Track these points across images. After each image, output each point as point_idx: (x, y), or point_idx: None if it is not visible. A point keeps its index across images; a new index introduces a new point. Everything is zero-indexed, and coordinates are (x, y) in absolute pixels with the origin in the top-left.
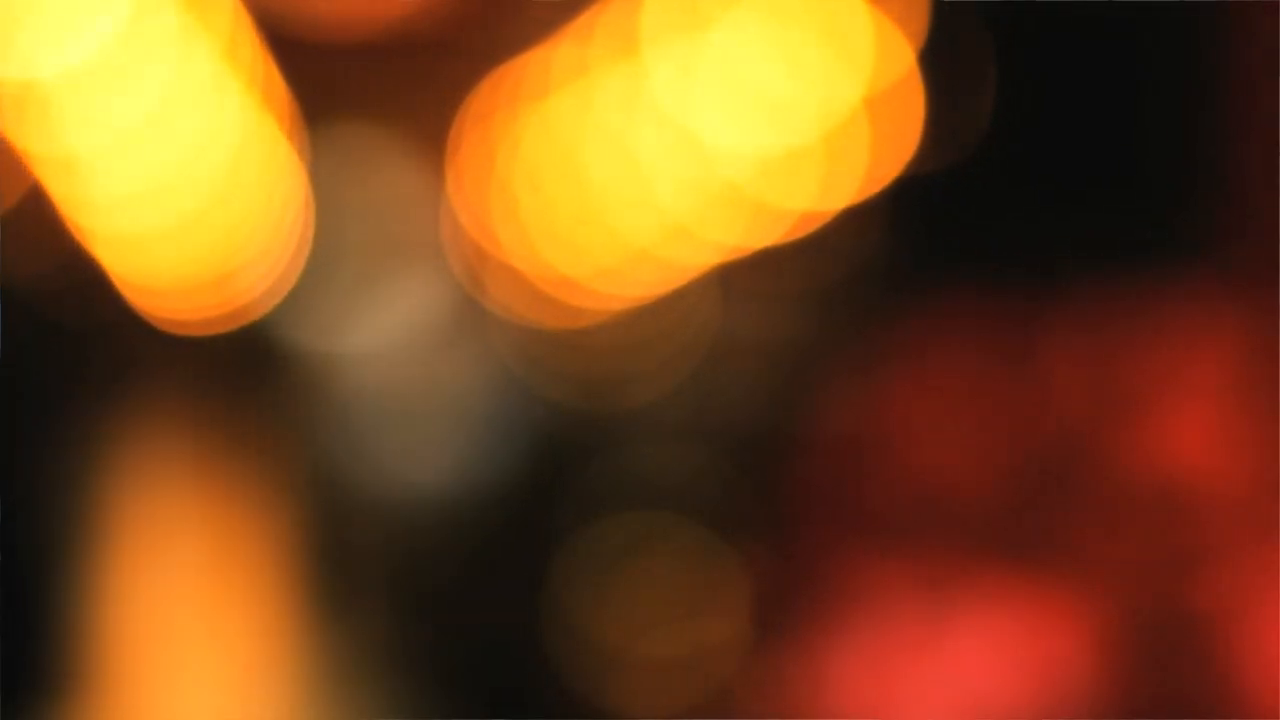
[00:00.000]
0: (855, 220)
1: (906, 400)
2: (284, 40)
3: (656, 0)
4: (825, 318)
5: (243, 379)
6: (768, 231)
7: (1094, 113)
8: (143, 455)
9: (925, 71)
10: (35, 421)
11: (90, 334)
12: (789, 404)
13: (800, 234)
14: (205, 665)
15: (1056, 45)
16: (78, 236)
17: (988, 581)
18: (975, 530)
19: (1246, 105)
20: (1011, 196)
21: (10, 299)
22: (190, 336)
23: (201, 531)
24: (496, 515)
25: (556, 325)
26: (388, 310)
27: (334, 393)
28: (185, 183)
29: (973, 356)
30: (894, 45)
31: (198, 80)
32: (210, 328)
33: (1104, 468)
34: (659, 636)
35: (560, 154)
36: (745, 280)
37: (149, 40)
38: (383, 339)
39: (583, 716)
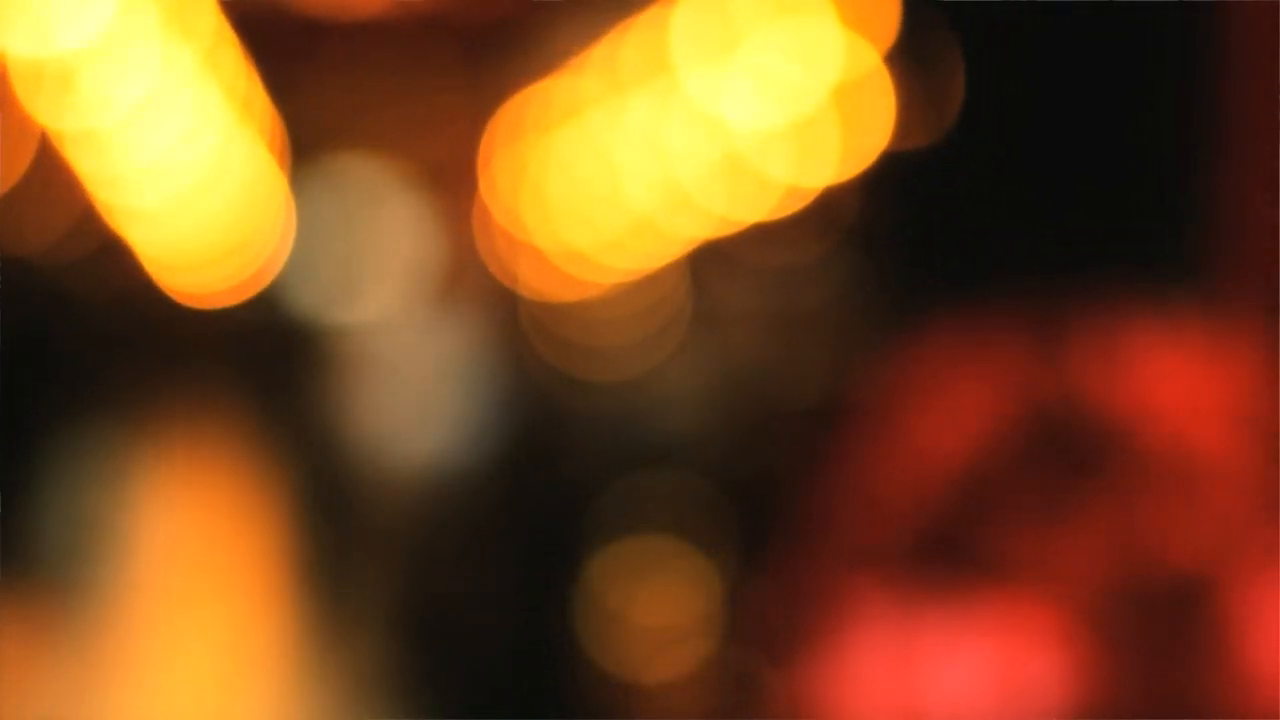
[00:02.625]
0: (841, 202)
1: (897, 401)
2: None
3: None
4: (816, 294)
5: (255, 351)
6: (761, 205)
7: (1092, 111)
8: (153, 422)
9: (907, 63)
10: (49, 394)
11: (105, 305)
12: (783, 380)
13: (788, 210)
14: (213, 631)
15: (1055, 42)
16: (100, 211)
17: (986, 591)
18: (972, 537)
19: (1242, 104)
20: (1006, 196)
21: (28, 272)
22: (201, 309)
23: (213, 493)
24: (495, 489)
25: (565, 299)
26: (391, 286)
27: (343, 366)
28: (178, 164)
29: (973, 353)
30: (863, 44)
31: (180, 72)
32: (218, 300)
33: (1104, 466)
34: (653, 651)
35: (584, 137)
36: (744, 254)
37: (134, 34)
38: (388, 313)
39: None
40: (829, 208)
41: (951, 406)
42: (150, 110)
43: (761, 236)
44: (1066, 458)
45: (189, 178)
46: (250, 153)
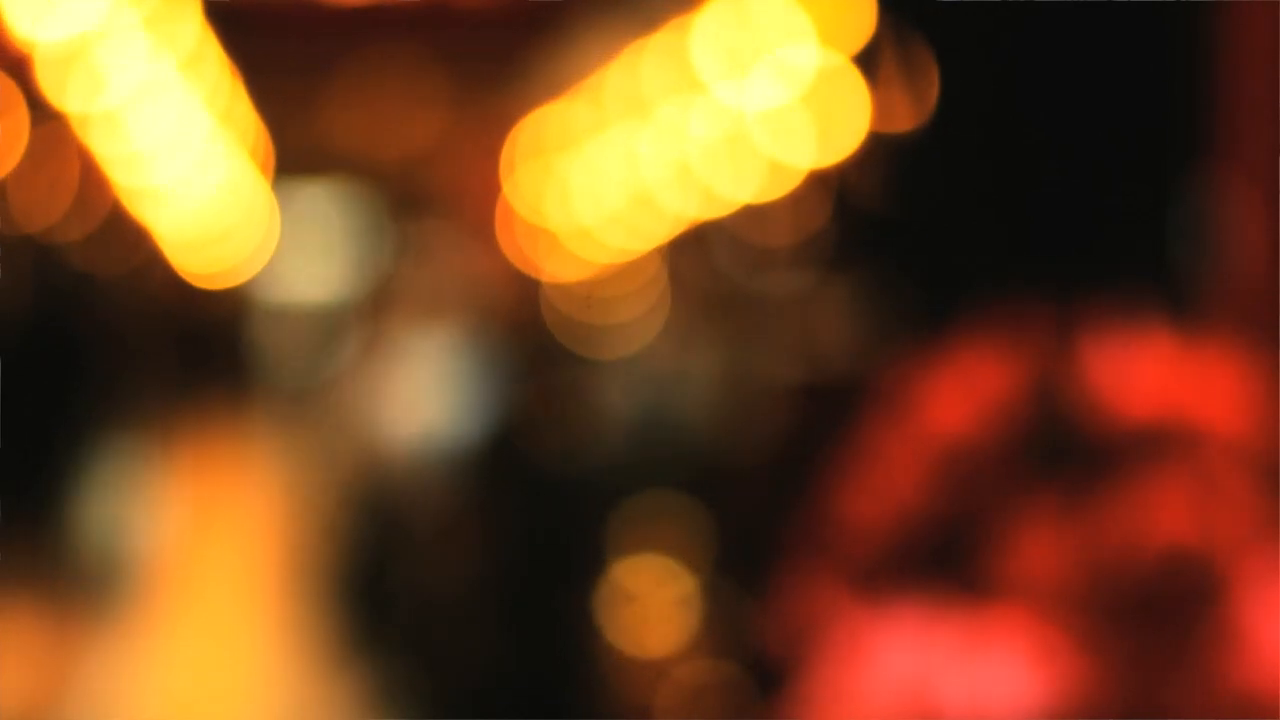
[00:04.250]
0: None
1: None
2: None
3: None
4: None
5: (269, 339)
6: (760, 185)
7: (1091, 109)
8: (172, 412)
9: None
10: (74, 390)
11: (117, 283)
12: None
13: (783, 191)
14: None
15: (1056, 37)
16: (115, 193)
17: (994, 597)
18: (978, 544)
19: (1241, 99)
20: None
21: (43, 251)
22: (208, 290)
23: (229, 485)
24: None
25: (571, 279)
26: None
27: (362, 356)
28: (173, 150)
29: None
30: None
31: (164, 73)
32: (222, 281)
33: (1109, 467)
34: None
35: (600, 130)
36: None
37: (119, 33)
38: (400, 302)
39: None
40: (828, 190)
41: (955, 404)
42: (133, 104)
43: (761, 217)
44: (1073, 459)
45: (175, 169)
46: (232, 152)
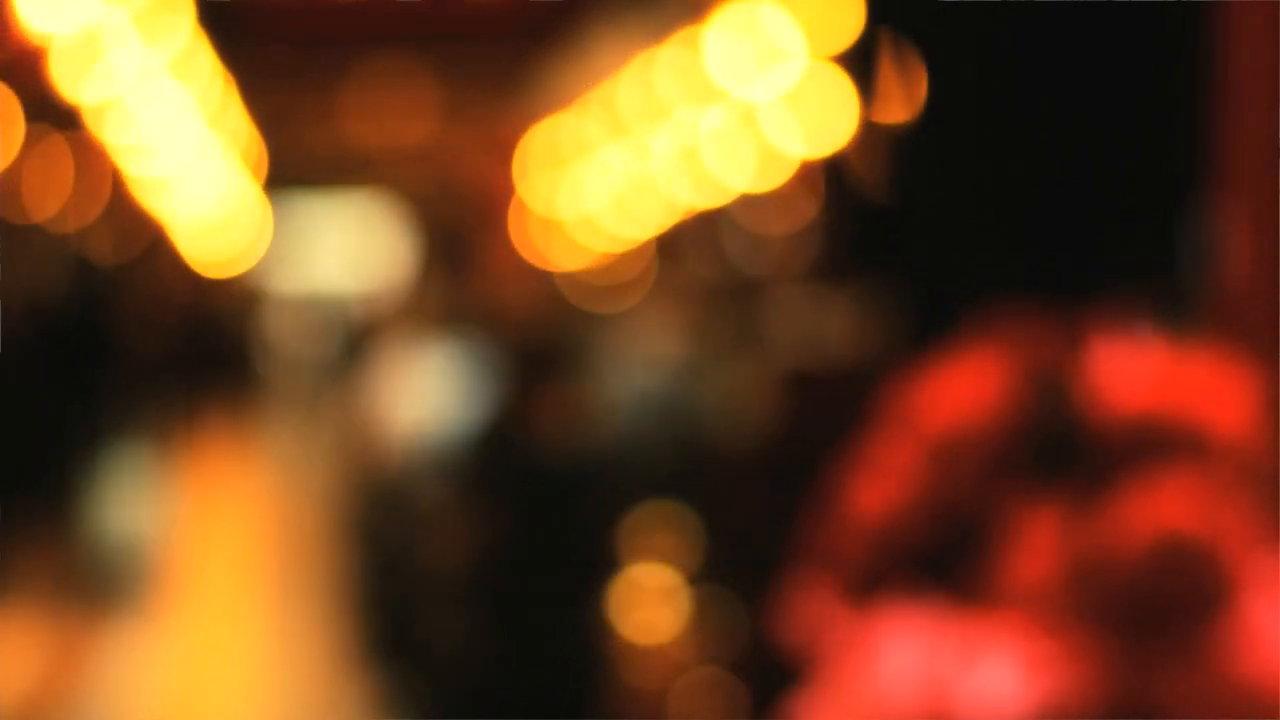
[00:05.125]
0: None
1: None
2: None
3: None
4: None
5: (279, 335)
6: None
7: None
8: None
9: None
10: (72, 349)
11: (124, 272)
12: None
13: (781, 181)
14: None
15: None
16: (124, 186)
17: (1002, 600)
18: (984, 545)
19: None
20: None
21: (51, 242)
22: (213, 283)
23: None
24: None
25: (577, 269)
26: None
27: (374, 356)
28: (165, 147)
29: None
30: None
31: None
32: (227, 270)
33: (1114, 467)
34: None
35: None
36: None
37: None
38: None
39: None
40: (830, 189)
41: (956, 405)
42: (126, 101)
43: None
44: (1075, 460)
45: (168, 165)
46: (227, 149)
